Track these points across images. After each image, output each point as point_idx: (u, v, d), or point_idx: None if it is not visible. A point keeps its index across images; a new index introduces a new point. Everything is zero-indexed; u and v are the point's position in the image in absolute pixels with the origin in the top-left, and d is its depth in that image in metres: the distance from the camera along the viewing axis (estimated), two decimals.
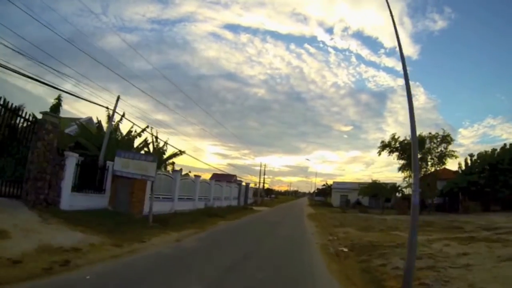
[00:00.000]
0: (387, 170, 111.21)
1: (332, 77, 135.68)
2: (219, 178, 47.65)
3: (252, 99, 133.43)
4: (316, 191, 76.15)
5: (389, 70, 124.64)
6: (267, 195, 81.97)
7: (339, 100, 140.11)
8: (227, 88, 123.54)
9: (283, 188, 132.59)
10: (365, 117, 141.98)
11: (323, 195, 68.31)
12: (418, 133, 8.90)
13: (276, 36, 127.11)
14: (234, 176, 50.58)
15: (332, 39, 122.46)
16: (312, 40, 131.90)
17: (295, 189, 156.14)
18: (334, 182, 59.15)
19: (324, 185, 71.81)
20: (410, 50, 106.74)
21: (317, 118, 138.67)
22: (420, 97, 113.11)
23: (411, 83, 5.66)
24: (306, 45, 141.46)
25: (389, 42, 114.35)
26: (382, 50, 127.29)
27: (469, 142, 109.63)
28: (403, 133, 45.10)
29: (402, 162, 28.66)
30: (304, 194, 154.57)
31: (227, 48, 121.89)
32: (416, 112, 5.58)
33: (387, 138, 30.56)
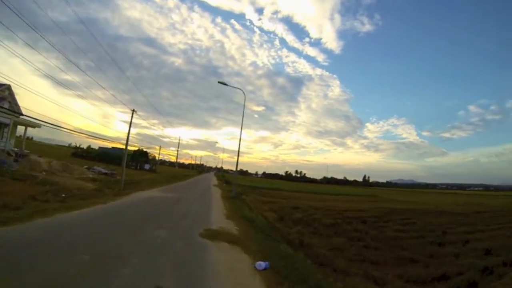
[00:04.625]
0: (295, 152, 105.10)
1: (252, 56, 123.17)
2: None
3: (168, 68, 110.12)
4: None
5: (310, 59, 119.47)
6: (135, 164, 59.26)
7: (255, 79, 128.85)
8: (144, 54, 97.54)
9: (188, 162, 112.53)
10: (278, 100, 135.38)
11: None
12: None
13: (204, 6, 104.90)
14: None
15: (260, 19, 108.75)
16: (240, 17, 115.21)
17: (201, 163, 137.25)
18: None
19: None
20: (333, 44, 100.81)
21: (230, 95, 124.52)
22: (335, 89, 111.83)
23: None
24: (232, 21, 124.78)
25: (315, 32, 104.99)
26: (307, 39, 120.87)
27: (373, 136, 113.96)
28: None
29: None
30: (210, 168, 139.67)
31: (152, 11, 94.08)
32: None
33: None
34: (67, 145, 67.19)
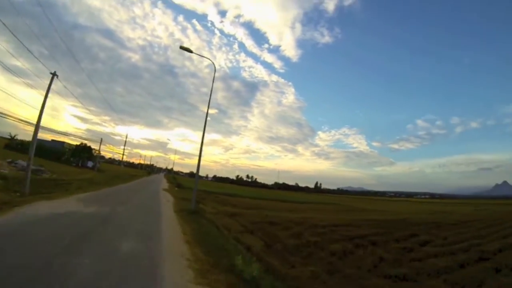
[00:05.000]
0: (245, 157, 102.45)
1: (210, 58, 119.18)
2: None
3: (125, 63, 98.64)
4: None
5: (267, 65, 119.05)
6: (76, 160, 49.40)
7: (211, 82, 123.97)
8: (101, 46, 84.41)
9: (138, 161, 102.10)
10: (232, 104, 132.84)
11: None
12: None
13: (167, 3, 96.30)
14: None
15: (222, 22, 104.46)
16: (202, 18, 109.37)
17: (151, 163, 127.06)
18: None
19: None
20: (292, 52, 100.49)
21: (184, 96, 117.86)
22: (289, 97, 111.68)
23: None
24: (194, 21, 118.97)
25: (275, 39, 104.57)
26: (266, 45, 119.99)
27: (324, 144, 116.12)
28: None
29: None
30: (160, 169, 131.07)
31: (113, 2, 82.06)
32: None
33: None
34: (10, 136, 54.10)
